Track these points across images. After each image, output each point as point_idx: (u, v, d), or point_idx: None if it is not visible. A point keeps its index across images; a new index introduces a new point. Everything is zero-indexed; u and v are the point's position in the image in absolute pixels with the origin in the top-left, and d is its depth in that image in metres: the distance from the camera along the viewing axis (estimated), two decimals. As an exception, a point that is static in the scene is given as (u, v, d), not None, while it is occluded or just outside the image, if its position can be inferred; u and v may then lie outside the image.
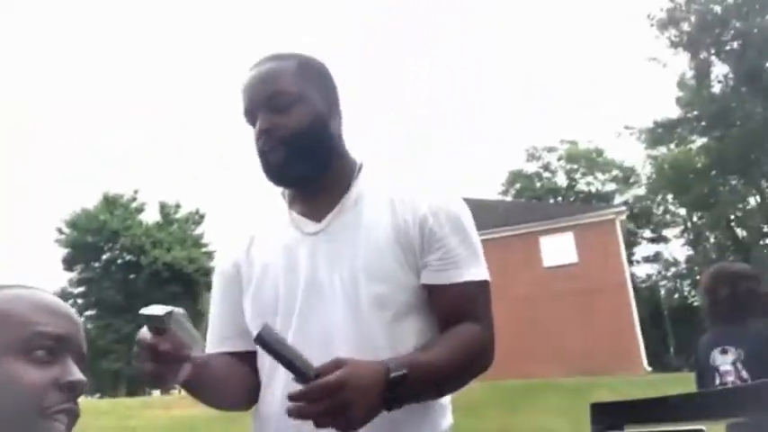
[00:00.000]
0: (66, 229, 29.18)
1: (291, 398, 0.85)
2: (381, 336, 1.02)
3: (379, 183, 1.13)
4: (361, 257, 1.05)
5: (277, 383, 1.05)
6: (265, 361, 1.08)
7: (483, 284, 1.09)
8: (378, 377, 0.89)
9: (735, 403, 1.19)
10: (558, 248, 16.71)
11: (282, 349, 0.86)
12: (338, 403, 0.85)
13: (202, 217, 31.97)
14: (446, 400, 1.10)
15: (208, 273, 25.72)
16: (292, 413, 0.85)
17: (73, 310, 0.76)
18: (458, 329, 1.04)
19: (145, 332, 0.86)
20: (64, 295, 27.81)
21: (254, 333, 0.99)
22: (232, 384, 1.08)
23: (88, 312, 28.90)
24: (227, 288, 1.16)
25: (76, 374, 0.70)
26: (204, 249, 30.29)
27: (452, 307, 1.06)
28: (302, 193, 1.14)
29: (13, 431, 0.64)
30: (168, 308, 0.84)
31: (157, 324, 0.84)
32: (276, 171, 1.09)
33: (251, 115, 1.10)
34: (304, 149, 1.07)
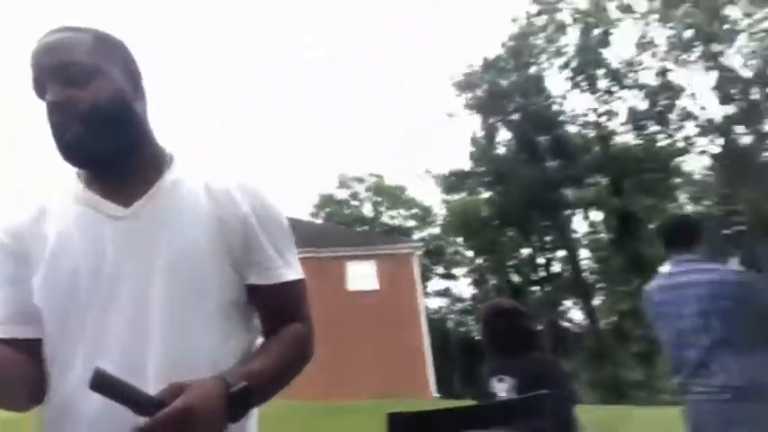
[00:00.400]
0: None
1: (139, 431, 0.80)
2: (195, 332, 0.97)
3: (196, 174, 1.07)
4: (177, 249, 0.99)
5: (74, 374, 0.95)
6: (58, 350, 0.97)
7: (302, 283, 1.10)
8: (219, 394, 0.86)
9: (511, 414, 1.52)
10: (362, 275, 17.48)
11: (122, 388, 0.83)
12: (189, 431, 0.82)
13: None
14: None
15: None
16: None
17: None
18: (286, 332, 1.05)
19: None
20: None
21: (47, 317, 0.96)
22: (12, 377, 0.93)
23: None
24: (10, 265, 1.02)
25: None
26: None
27: (277, 306, 1.07)
28: (103, 175, 1.03)
29: None
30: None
31: None
32: (74, 149, 0.98)
33: (40, 86, 1.00)
34: (104, 126, 0.98)
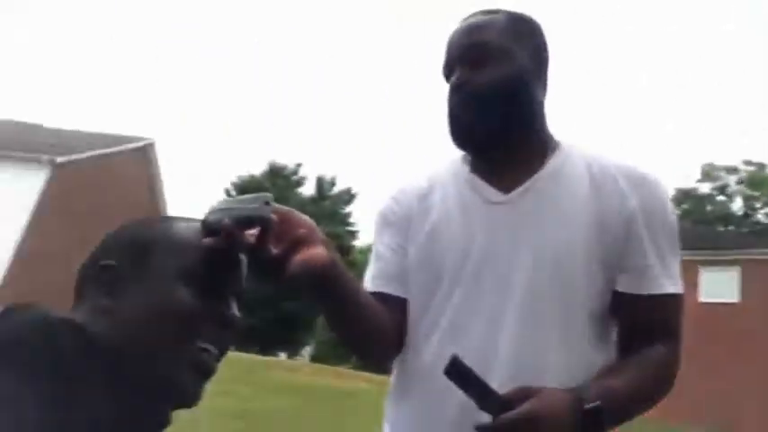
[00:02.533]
0: (233, 192, 32.13)
1: (479, 429, 0.82)
2: (548, 336, 0.93)
3: (580, 164, 1.00)
4: (551, 242, 0.94)
5: (429, 350, 0.97)
6: (419, 321, 1.00)
7: (680, 298, 0.98)
8: (569, 408, 0.83)
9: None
10: (719, 283, 14.98)
11: (473, 380, 0.83)
12: None
13: (353, 196, 33.32)
14: None
15: (348, 251, 26.93)
16: None
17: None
18: (649, 353, 0.94)
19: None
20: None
21: (414, 288, 0.99)
22: (378, 319, 0.97)
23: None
24: (395, 231, 1.07)
25: (233, 310, 0.70)
26: (349, 228, 31.65)
27: (646, 321, 0.95)
28: (488, 160, 1.03)
29: (161, 354, 0.64)
30: (260, 196, 0.71)
31: (262, 222, 0.70)
32: (465, 130, 0.99)
33: (449, 69, 1.02)
34: (498, 108, 0.97)
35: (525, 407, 0.80)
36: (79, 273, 0.71)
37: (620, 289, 0.96)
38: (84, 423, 0.58)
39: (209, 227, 0.70)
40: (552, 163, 1.00)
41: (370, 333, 0.97)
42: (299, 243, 0.73)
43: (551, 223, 0.96)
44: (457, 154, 1.09)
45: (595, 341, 0.96)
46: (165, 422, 0.68)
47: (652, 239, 0.95)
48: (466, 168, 1.06)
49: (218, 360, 0.69)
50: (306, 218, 0.76)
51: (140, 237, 0.71)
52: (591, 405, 0.84)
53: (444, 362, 0.82)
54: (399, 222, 1.06)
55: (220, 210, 0.71)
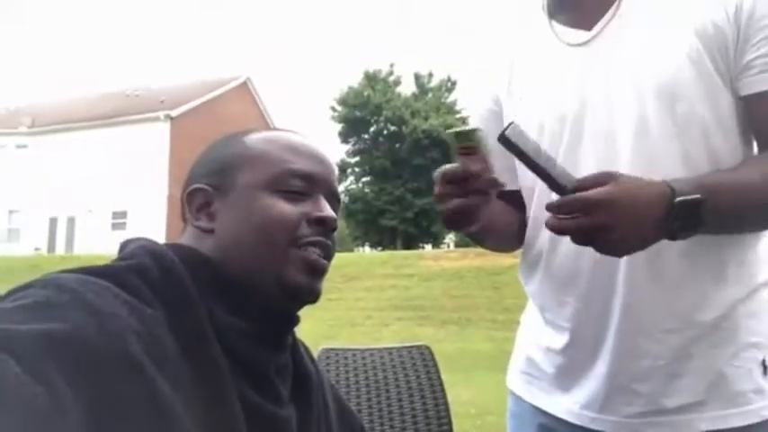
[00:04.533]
0: (338, 107, 32.53)
1: (547, 208, 0.75)
2: (677, 166, 0.84)
3: None
4: (651, 68, 0.85)
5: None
6: (533, 200, 0.98)
7: None
8: (657, 200, 0.73)
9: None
10: None
11: (533, 154, 0.73)
12: (595, 224, 0.71)
13: (454, 84, 32.36)
14: (762, 247, 0.90)
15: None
16: (547, 224, 0.75)
17: (326, 154, 0.77)
18: None
19: (448, 166, 0.78)
20: (343, 165, 31.80)
21: (521, 171, 0.93)
22: (501, 224, 1.01)
23: (365, 179, 32.60)
24: (489, 126, 1.02)
25: (326, 210, 0.71)
26: (458, 115, 30.98)
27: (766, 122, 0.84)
28: (565, 2, 0.96)
29: (267, 260, 0.67)
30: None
31: (466, 143, 0.74)
32: None
33: None
34: None
35: (596, 190, 0.71)
36: (180, 201, 0.73)
37: (745, 92, 0.84)
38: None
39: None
40: None
41: (507, 243, 1.06)
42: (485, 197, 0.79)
43: (648, 45, 0.86)
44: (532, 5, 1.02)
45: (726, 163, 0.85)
46: (294, 322, 0.72)
47: (764, 31, 0.82)
48: (544, 16, 0.98)
49: (325, 257, 0.71)
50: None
51: (223, 155, 0.73)
52: (685, 197, 0.73)
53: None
54: (493, 114, 1.04)
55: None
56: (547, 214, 0.76)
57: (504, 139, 0.72)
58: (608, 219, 0.71)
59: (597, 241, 0.74)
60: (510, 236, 1.04)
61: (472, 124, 1.05)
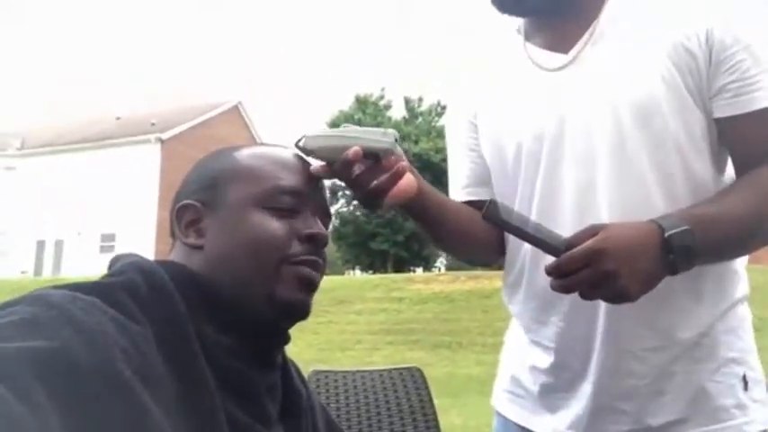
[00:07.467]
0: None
1: (547, 272, 0.76)
2: (655, 190, 0.85)
3: (641, 1, 0.91)
4: (627, 87, 0.86)
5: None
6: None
7: None
8: (650, 238, 0.75)
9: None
10: None
11: (519, 223, 0.76)
12: (600, 271, 0.72)
13: (444, 108, 32.57)
14: (738, 264, 0.92)
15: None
16: (553, 287, 0.76)
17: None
18: (755, 173, 0.83)
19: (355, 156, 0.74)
20: (333, 188, 31.83)
21: (496, 181, 0.95)
22: (474, 236, 1.00)
23: (355, 202, 32.67)
24: (468, 131, 1.05)
25: (317, 227, 0.70)
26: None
27: (750, 142, 0.85)
28: (540, 22, 0.97)
29: (258, 278, 0.66)
30: (390, 132, 0.76)
31: (384, 153, 0.75)
32: None
33: None
34: None
35: (588, 243, 0.73)
36: (170, 217, 0.72)
37: (719, 115, 0.86)
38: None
39: (329, 153, 0.74)
40: (609, 8, 0.92)
41: (465, 244, 1.03)
42: (395, 175, 0.76)
43: (624, 69, 0.87)
44: (508, 25, 1.03)
45: (706, 184, 0.87)
46: (284, 340, 0.72)
47: (745, 49, 0.83)
48: (520, 39, 1.00)
49: (316, 272, 0.70)
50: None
51: (212, 171, 0.72)
52: (674, 231, 0.74)
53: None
54: (470, 121, 1.05)
55: (347, 137, 0.74)
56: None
57: (489, 218, 0.75)
58: (611, 265, 0.72)
59: (607, 290, 0.74)
60: (489, 246, 1.02)
61: (450, 140, 1.07)
